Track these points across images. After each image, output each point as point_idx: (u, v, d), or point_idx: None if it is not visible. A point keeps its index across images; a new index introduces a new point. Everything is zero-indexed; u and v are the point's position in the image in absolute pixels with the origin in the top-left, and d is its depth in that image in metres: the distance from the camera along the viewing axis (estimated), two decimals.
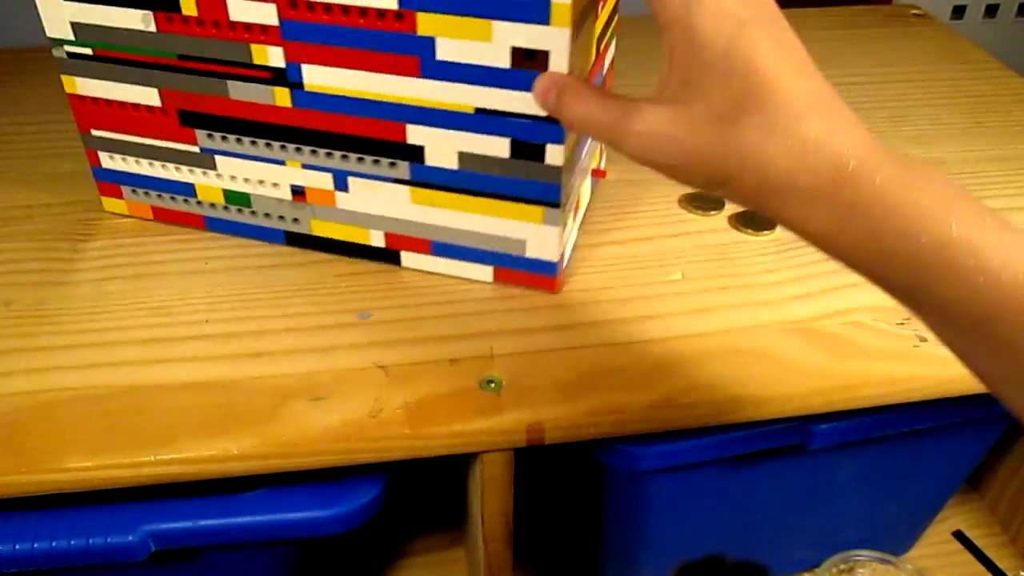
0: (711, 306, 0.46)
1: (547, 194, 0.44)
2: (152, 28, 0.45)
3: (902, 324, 0.45)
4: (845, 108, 0.30)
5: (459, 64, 0.41)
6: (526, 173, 0.44)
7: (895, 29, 0.78)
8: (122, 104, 0.49)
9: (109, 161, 0.52)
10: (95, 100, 0.50)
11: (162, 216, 0.53)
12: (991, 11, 0.96)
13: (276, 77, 0.45)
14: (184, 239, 0.51)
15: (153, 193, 0.52)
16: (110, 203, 0.54)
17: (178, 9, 0.44)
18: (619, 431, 0.41)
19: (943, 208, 0.28)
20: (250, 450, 0.38)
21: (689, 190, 0.55)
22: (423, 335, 0.44)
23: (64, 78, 0.49)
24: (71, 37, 0.47)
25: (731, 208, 0.53)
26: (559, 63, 0.40)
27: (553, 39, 0.39)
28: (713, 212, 0.53)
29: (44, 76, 0.70)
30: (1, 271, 0.49)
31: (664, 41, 0.32)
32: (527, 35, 0.39)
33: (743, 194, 0.31)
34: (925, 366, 0.43)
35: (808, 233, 0.30)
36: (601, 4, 0.46)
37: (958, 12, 0.96)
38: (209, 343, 0.44)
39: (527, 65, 0.40)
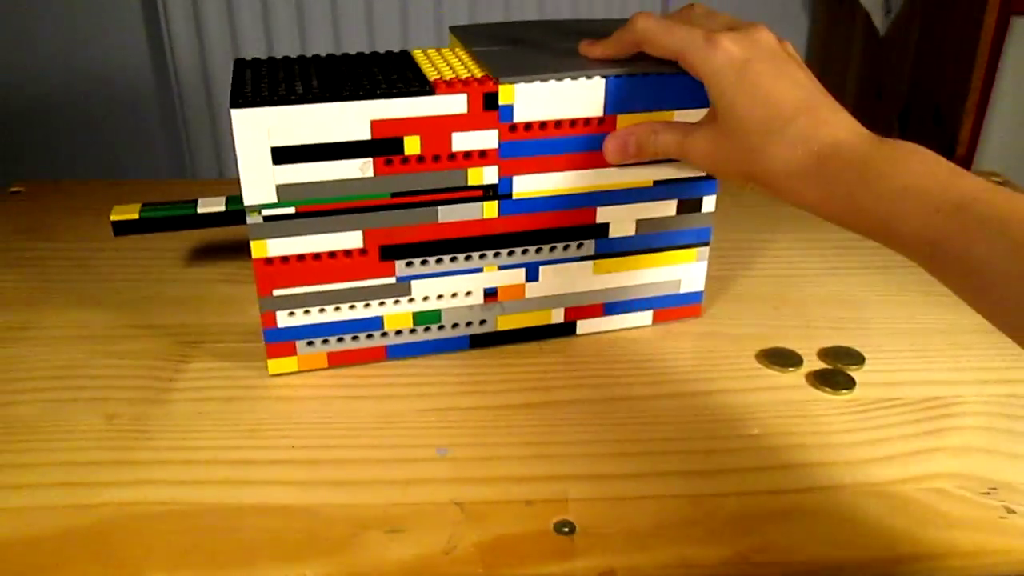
0: (788, 463, 0.46)
1: (701, 236, 0.55)
2: (369, 174, 0.46)
3: (988, 493, 0.44)
4: (832, 108, 0.42)
5: None
6: (688, 223, 0.54)
7: None
8: (316, 256, 0.48)
9: (287, 319, 0.50)
10: (285, 259, 0.48)
11: (338, 361, 0.52)
12: None
13: (487, 193, 0.48)
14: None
15: (332, 339, 0.51)
16: (278, 364, 0.51)
17: (400, 151, 0.46)
18: None
19: (901, 164, 0.38)
20: None
21: (767, 346, 0.56)
22: (499, 474, 0.45)
23: (254, 243, 0.47)
24: (273, 200, 0.46)
25: (809, 366, 0.54)
26: None
27: (690, 113, 0.50)
28: (791, 369, 0.53)
29: None
30: (108, 386, 0.52)
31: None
32: (696, 116, 0.50)
33: (763, 183, 0.43)
34: (1013, 539, 0.41)
35: (806, 204, 0.41)
36: None
37: None
38: (294, 468, 0.45)
39: None
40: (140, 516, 0.42)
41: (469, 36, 0.54)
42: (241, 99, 0.43)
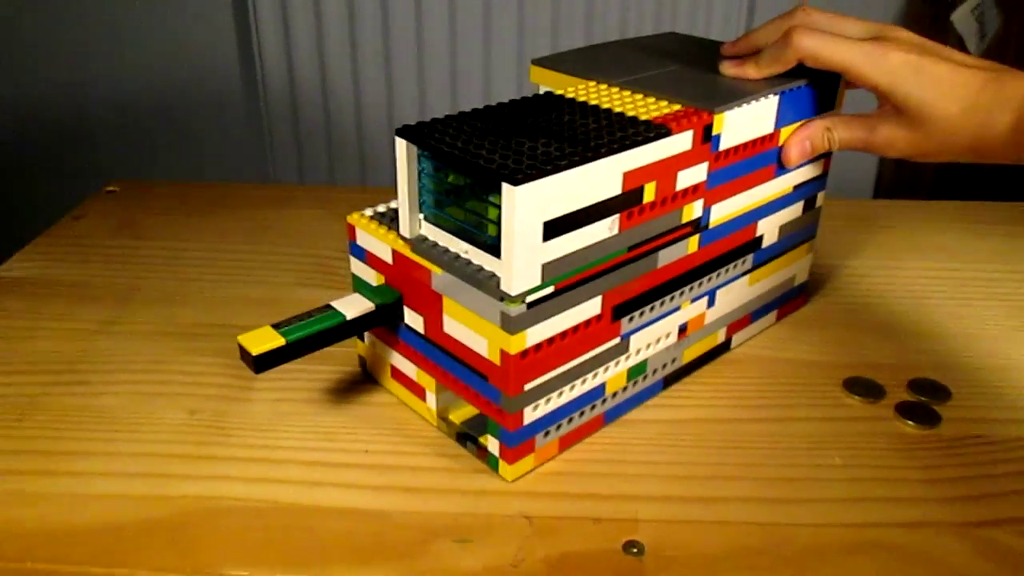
0: (866, 497, 0.45)
1: (812, 230, 0.59)
2: (615, 231, 0.44)
3: None
4: (1003, 67, 0.47)
5: None
6: (806, 221, 0.57)
7: None
8: (563, 335, 0.43)
9: (531, 414, 0.44)
10: (538, 347, 0.42)
11: (566, 444, 0.47)
12: None
13: (694, 228, 0.48)
14: (350, 369, 0.55)
15: (563, 422, 0.46)
16: (515, 469, 0.45)
17: (640, 200, 0.44)
18: None
19: None
20: None
21: (850, 375, 0.54)
22: (570, 491, 0.45)
23: (513, 339, 0.41)
24: (537, 282, 0.41)
25: (893, 398, 0.52)
26: None
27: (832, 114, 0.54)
28: (874, 400, 0.52)
29: (244, 210, 0.77)
30: (190, 382, 0.53)
31: (874, 92, 0.50)
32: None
33: (954, 153, 0.48)
34: None
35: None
36: None
37: None
38: (367, 472, 0.46)
39: None
40: (217, 511, 0.43)
41: (567, 66, 0.53)
42: (520, 175, 0.38)
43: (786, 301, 0.60)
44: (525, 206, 0.38)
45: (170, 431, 0.49)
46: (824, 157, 0.56)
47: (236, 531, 0.42)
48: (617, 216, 0.43)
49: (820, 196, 0.58)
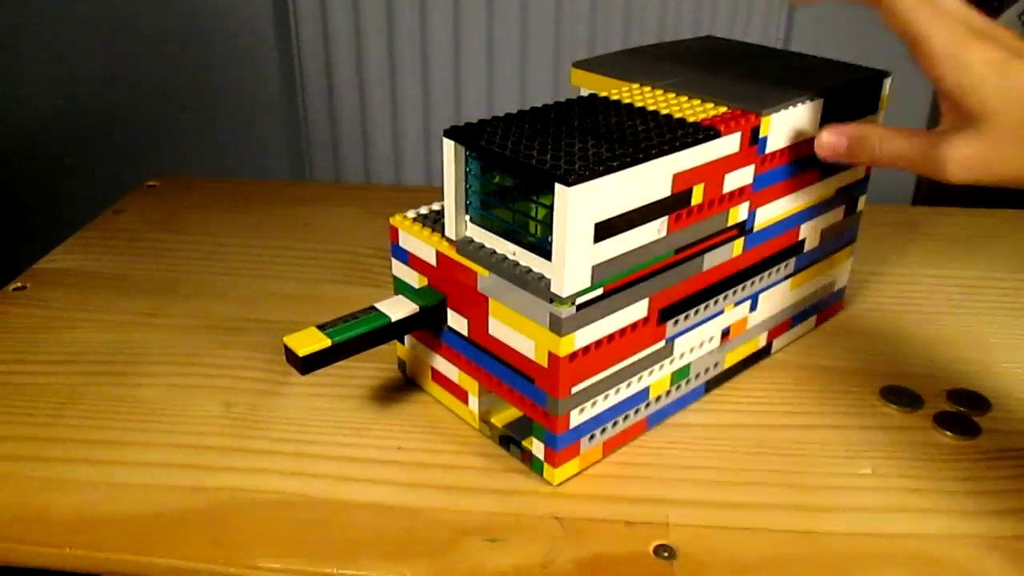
0: (902, 507, 0.44)
1: (852, 235, 0.58)
2: (664, 233, 0.43)
3: None
4: None
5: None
6: (848, 225, 0.57)
7: None
8: (610, 338, 0.43)
9: (578, 417, 0.44)
10: (586, 350, 0.42)
11: (610, 448, 0.47)
12: None
13: (739, 231, 0.48)
14: (385, 367, 0.55)
15: (608, 425, 0.46)
16: (561, 472, 0.45)
17: (688, 203, 0.44)
18: None
19: None
20: None
21: (888, 383, 0.53)
22: (601, 493, 0.45)
23: (563, 340, 0.41)
24: (587, 284, 0.41)
25: (931, 407, 0.51)
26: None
27: (878, 119, 0.54)
28: (912, 409, 0.51)
29: (281, 207, 0.78)
30: (226, 375, 0.54)
31: (939, 88, 0.41)
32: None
33: None
34: None
35: None
36: None
37: None
38: (399, 469, 0.46)
39: None
40: (252, 503, 0.44)
41: (608, 68, 0.53)
42: (573, 176, 0.37)
43: (826, 306, 0.60)
44: (578, 207, 0.38)
45: (206, 423, 0.50)
46: (853, 166, 0.55)
47: (269, 523, 0.42)
48: (666, 218, 0.43)
49: (862, 200, 0.57)
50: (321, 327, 0.44)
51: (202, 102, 1.60)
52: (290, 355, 0.43)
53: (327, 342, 0.44)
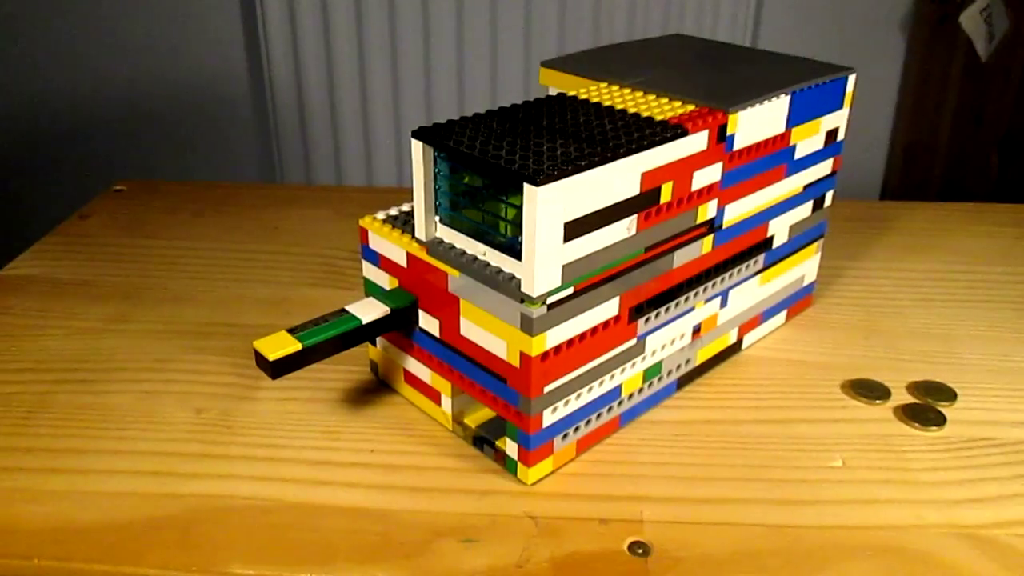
0: (872, 499, 0.45)
1: (821, 230, 0.59)
2: (633, 232, 0.44)
3: None
4: None
5: (803, 158, 0.54)
6: (816, 220, 0.58)
7: None
8: (581, 337, 0.43)
9: (551, 416, 0.44)
10: (556, 349, 0.42)
11: (584, 447, 0.47)
12: None
13: (708, 228, 0.49)
14: (357, 369, 0.55)
15: (581, 424, 0.46)
16: (535, 472, 0.45)
17: (658, 201, 0.44)
18: None
19: None
20: None
21: (854, 376, 0.54)
22: (575, 491, 0.45)
23: (535, 340, 0.41)
24: (557, 284, 0.41)
25: (897, 399, 0.52)
26: (843, 132, 0.56)
27: (843, 115, 0.55)
28: (878, 402, 0.52)
29: (251, 209, 0.78)
30: (197, 380, 0.54)
31: None
32: (833, 120, 0.55)
33: None
34: None
35: None
36: None
37: None
38: (372, 472, 0.46)
39: (830, 140, 0.55)
40: (224, 509, 0.43)
41: (577, 67, 0.53)
42: (541, 175, 0.38)
43: (796, 301, 0.60)
44: (547, 207, 0.38)
45: (176, 430, 0.49)
46: (835, 155, 0.56)
47: (242, 529, 0.42)
48: (635, 216, 0.43)
49: (829, 195, 0.58)
50: (291, 331, 0.44)
51: (170, 105, 1.58)
52: (260, 360, 0.43)
53: (297, 346, 0.43)
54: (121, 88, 1.56)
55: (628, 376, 0.48)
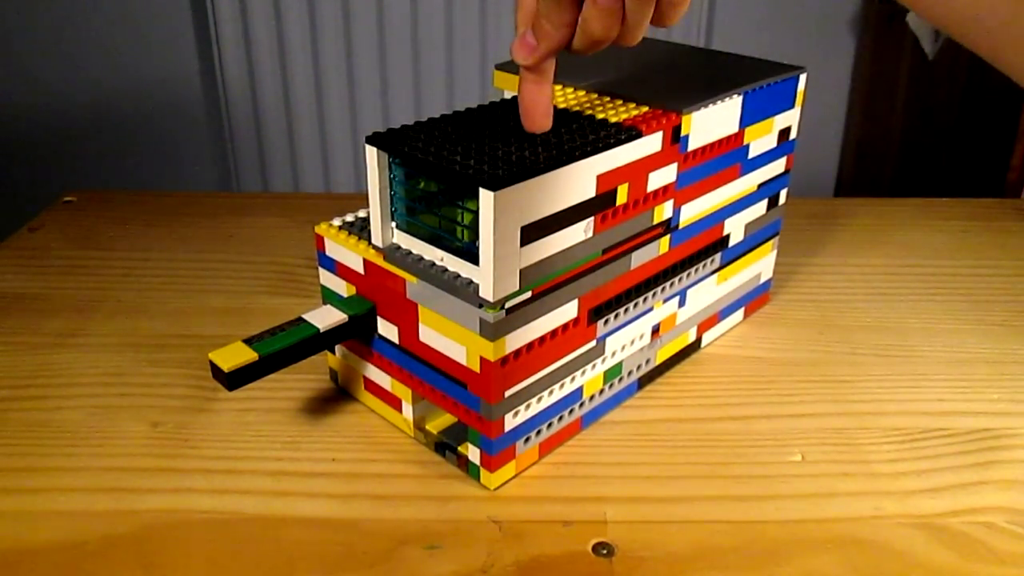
0: (832, 492, 0.45)
1: (776, 228, 0.60)
2: (590, 234, 0.44)
3: None
4: None
5: (757, 157, 0.54)
6: (771, 218, 0.59)
7: None
8: (541, 340, 0.43)
9: (512, 421, 0.44)
10: (516, 354, 0.42)
11: (546, 450, 0.47)
12: None
13: (665, 229, 0.49)
14: (316, 378, 0.54)
15: (543, 427, 0.46)
16: (498, 477, 0.45)
17: (614, 203, 0.44)
18: None
19: None
20: None
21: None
22: (538, 494, 0.45)
23: (494, 345, 0.41)
24: (515, 288, 0.41)
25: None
26: (795, 130, 0.57)
27: (795, 114, 0.56)
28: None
29: (205, 218, 0.77)
30: (153, 394, 0.53)
31: None
32: (786, 119, 0.55)
33: None
34: None
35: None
36: None
37: None
38: (334, 481, 0.45)
39: (783, 139, 0.56)
40: (182, 524, 0.43)
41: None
42: (497, 180, 0.37)
43: (753, 299, 0.61)
44: (503, 211, 0.38)
45: (133, 444, 0.48)
46: (788, 154, 0.57)
47: (201, 544, 0.41)
48: (592, 219, 0.43)
49: (783, 193, 0.59)
50: (248, 341, 0.44)
51: (121, 113, 1.56)
52: (216, 371, 0.42)
53: (254, 356, 0.43)
54: (69, 96, 1.53)
55: (589, 378, 0.48)
